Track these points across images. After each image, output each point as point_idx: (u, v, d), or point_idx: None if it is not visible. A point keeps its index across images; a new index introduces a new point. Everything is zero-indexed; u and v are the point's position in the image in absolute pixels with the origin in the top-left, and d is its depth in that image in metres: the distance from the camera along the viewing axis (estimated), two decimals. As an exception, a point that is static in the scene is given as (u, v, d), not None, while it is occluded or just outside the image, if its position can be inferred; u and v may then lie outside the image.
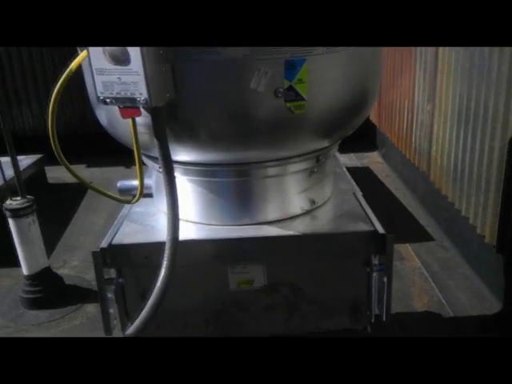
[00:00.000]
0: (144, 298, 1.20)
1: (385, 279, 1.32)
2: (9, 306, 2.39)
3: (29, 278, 2.37)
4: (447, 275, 2.53)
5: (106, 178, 3.86)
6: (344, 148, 3.97)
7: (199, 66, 1.07)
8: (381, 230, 1.31)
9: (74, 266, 2.73)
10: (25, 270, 2.36)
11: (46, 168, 3.74)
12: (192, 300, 1.37)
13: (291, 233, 1.33)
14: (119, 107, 1.06)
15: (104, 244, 1.28)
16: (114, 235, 1.33)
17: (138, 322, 1.13)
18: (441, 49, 2.72)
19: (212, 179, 1.33)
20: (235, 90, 1.11)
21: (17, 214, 2.24)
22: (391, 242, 1.29)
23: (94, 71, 1.04)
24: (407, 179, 3.51)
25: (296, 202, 1.40)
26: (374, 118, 4.29)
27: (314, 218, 1.42)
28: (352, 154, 4.31)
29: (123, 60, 1.00)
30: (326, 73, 1.15)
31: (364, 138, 4.30)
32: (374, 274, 1.33)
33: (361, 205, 1.47)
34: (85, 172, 4.09)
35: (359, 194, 1.54)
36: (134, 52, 0.98)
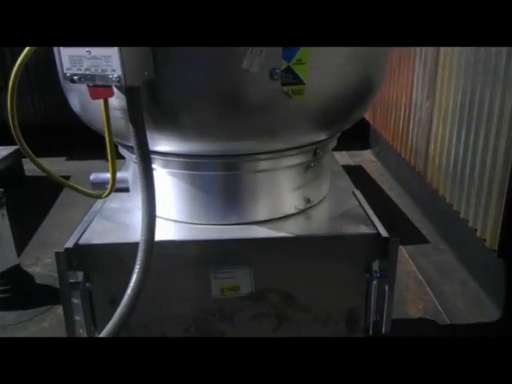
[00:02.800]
0: (114, 304, 1.05)
1: (386, 287, 1.19)
2: (-27, 306, 2.22)
3: (-4, 275, 2.20)
4: (443, 280, 2.41)
5: (85, 171, 3.70)
6: (336, 145, 3.87)
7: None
8: (384, 232, 1.17)
9: (47, 264, 2.56)
10: (-7, 268, 2.19)
11: (23, 160, 3.56)
12: (169, 308, 1.22)
13: (283, 234, 1.19)
14: (88, 86, 0.91)
15: (69, 244, 1.12)
16: (82, 234, 1.18)
17: (106, 331, 0.98)
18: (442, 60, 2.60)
19: (195, 172, 1.18)
20: (224, 70, 0.96)
21: (-17, 207, 2.07)
22: (395, 246, 1.16)
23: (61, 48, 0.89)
24: (402, 179, 3.39)
25: (289, 199, 1.26)
26: (367, 115, 4.17)
27: (308, 218, 1.28)
28: (344, 152, 4.19)
29: (93, 29, 0.85)
30: (330, 53, 1.00)
31: (357, 135, 4.17)
32: (374, 282, 1.19)
33: (361, 204, 1.33)
34: (64, 165, 3.92)
35: (359, 193, 1.40)
36: (106, 20, 0.83)
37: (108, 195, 1.11)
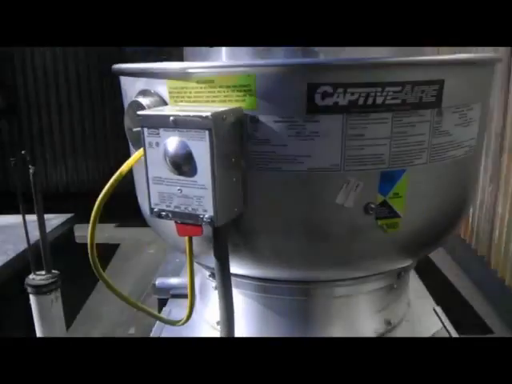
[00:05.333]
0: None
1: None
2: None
3: (48, 359, 2.15)
4: None
5: (135, 239, 3.71)
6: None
7: (275, 175, 0.88)
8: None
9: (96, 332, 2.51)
10: (44, 351, 2.15)
11: (75, 226, 3.60)
12: None
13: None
14: (176, 222, 0.87)
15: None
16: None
17: None
18: (508, 125, 2.52)
19: (267, 295, 1.11)
20: (317, 205, 0.90)
21: (39, 290, 2.05)
22: None
23: (150, 179, 0.86)
24: (464, 264, 3.22)
25: (368, 324, 1.17)
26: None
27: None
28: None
29: (187, 170, 0.82)
30: (427, 185, 0.94)
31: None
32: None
33: (444, 326, 1.23)
34: (114, 232, 3.93)
35: (440, 310, 1.30)
36: (202, 161, 0.80)
37: (184, 323, 1.05)
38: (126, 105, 1.02)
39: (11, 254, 2.86)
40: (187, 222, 0.85)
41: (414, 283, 1.46)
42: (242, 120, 0.85)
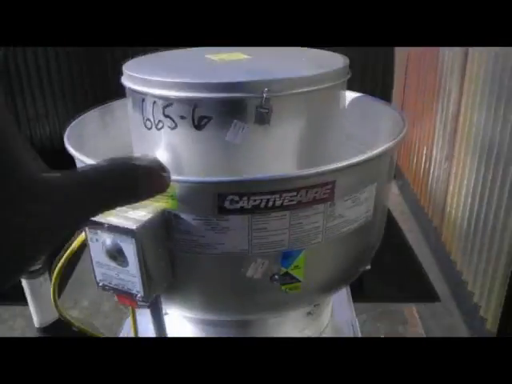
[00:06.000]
0: None
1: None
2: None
3: (39, 330, 2.47)
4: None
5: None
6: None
7: (198, 256, 1.09)
8: None
9: (85, 308, 2.82)
10: (36, 323, 2.46)
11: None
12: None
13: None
14: (117, 295, 1.09)
15: None
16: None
17: None
18: (463, 107, 2.66)
19: (211, 328, 1.36)
20: (234, 277, 1.12)
21: (29, 276, 2.33)
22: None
23: (94, 263, 1.07)
24: (421, 224, 3.48)
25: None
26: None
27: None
28: (367, 182, 4.27)
29: (121, 261, 1.02)
30: (323, 256, 1.15)
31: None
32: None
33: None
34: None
35: (356, 325, 1.55)
36: (131, 257, 1.01)
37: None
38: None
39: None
40: (125, 296, 1.07)
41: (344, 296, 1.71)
42: (167, 217, 1.04)
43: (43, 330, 2.49)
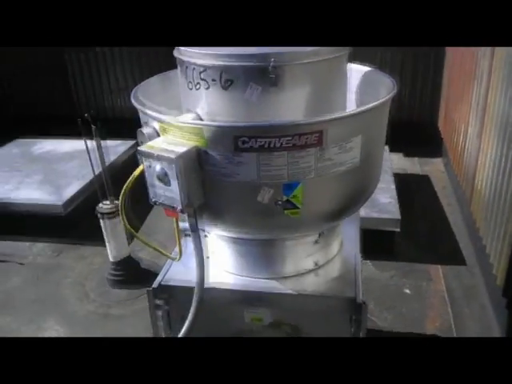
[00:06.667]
0: (183, 320, 1.70)
1: (360, 334, 1.70)
2: (97, 283, 3.06)
3: (114, 263, 3.01)
4: (466, 303, 2.80)
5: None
6: (408, 152, 4.18)
7: (221, 183, 1.48)
8: (359, 298, 1.67)
9: (151, 251, 3.33)
10: (111, 258, 3.00)
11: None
12: (216, 327, 1.85)
13: (289, 291, 1.72)
14: (164, 209, 1.52)
15: (155, 285, 1.78)
16: (164, 276, 1.83)
17: (180, 333, 1.63)
18: (490, 92, 2.86)
19: (242, 246, 1.76)
20: (248, 201, 1.50)
21: (107, 216, 2.85)
22: (365, 309, 1.66)
23: (149, 184, 1.50)
24: (458, 198, 3.68)
25: (303, 262, 1.79)
26: (440, 125, 4.40)
27: (317, 276, 1.81)
28: (416, 159, 4.49)
29: (166, 182, 1.45)
30: (316, 189, 1.51)
31: (430, 143, 4.43)
32: (353, 330, 1.72)
33: (355, 269, 1.83)
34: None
35: (358, 257, 1.90)
36: (173, 179, 1.42)
37: (179, 259, 1.73)
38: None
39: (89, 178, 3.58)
40: (170, 209, 1.50)
41: (352, 232, 2.05)
42: (199, 152, 1.44)
43: (117, 263, 3.01)
